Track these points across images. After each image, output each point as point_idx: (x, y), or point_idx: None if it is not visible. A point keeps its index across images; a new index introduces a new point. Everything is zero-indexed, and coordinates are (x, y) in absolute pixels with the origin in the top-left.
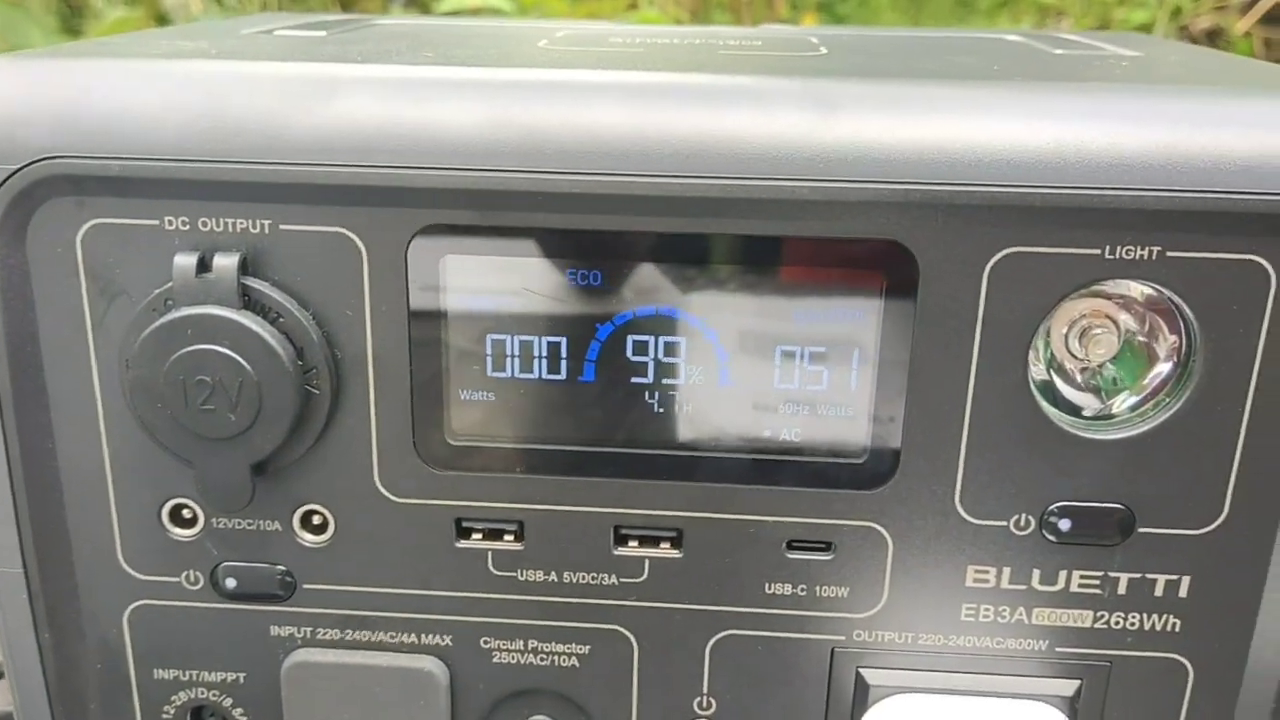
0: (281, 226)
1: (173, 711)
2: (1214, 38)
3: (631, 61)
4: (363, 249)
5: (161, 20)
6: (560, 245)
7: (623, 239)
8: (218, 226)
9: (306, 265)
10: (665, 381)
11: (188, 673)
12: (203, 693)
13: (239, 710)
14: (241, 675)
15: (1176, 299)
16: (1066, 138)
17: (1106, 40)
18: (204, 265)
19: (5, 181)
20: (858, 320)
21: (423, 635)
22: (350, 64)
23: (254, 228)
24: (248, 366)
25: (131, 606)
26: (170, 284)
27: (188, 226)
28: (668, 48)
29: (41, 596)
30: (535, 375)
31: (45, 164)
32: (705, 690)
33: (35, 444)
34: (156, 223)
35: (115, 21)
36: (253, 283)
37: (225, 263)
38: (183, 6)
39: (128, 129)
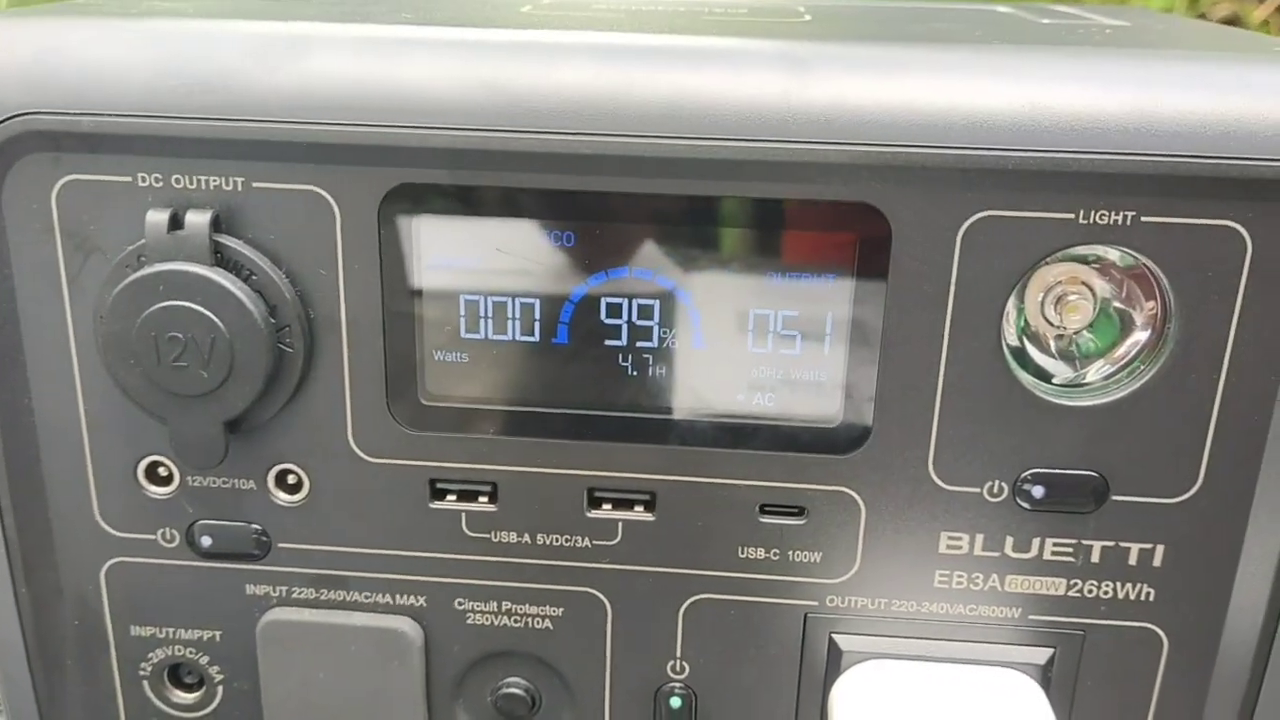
0: (254, 184)
1: (149, 669)
2: (1231, 26)
3: (611, 25)
4: (336, 207)
5: None
6: (534, 206)
7: (596, 200)
8: (190, 183)
9: (279, 223)
10: (639, 344)
11: (164, 630)
12: (179, 650)
13: (215, 668)
14: (218, 633)
15: (1151, 265)
16: (1041, 100)
17: (1097, 12)
18: (176, 222)
19: None
20: (831, 284)
21: (397, 596)
22: (326, 22)
23: (227, 185)
24: (220, 323)
25: (108, 564)
26: (143, 240)
27: (160, 183)
28: (651, 14)
29: (19, 553)
30: (509, 336)
31: (20, 120)
32: (679, 654)
33: (11, 400)
34: (129, 179)
35: None
36: (225, 240)
37: (197, 219)
38: None
39: (101, 85)
